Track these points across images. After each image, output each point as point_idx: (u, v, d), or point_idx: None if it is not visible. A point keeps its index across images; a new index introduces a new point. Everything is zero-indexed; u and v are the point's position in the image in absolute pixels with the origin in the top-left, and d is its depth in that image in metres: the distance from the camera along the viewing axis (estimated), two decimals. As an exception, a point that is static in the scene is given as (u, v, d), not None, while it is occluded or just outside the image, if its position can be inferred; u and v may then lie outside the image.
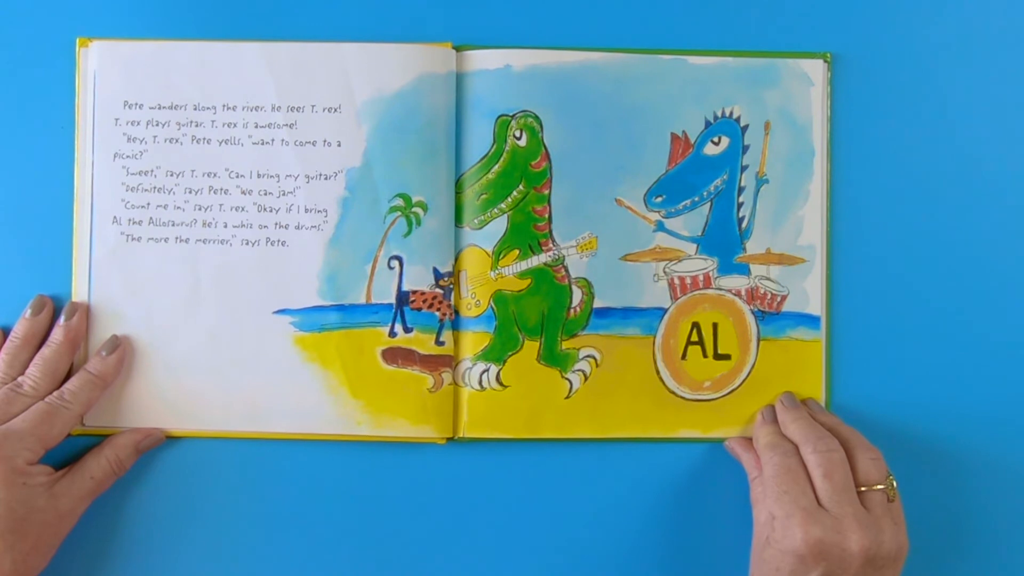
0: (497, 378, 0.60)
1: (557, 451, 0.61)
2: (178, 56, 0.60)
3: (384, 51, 0.60)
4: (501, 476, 0.61)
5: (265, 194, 0.60)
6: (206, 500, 0.60)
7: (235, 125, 0.60)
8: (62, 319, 0.59)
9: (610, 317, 0.60)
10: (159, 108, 0.60)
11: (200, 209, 0.60)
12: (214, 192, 0.60)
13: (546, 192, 0.60)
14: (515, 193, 0.60)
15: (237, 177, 0.60)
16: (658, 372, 0.61)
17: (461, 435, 0.60)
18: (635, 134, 0.60)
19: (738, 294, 0.61)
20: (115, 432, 0.59)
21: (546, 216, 0.60)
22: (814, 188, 0.61)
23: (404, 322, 0.60)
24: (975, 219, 0.62)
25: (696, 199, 0.61)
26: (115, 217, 0.60)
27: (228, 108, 0.60)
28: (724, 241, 0.61)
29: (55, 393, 0.57)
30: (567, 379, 0.60)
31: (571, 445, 0.61)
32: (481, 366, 0.60)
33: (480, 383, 0.60)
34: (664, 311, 0.61)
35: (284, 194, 0.60)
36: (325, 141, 0.60)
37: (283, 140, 0.60)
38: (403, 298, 0.60)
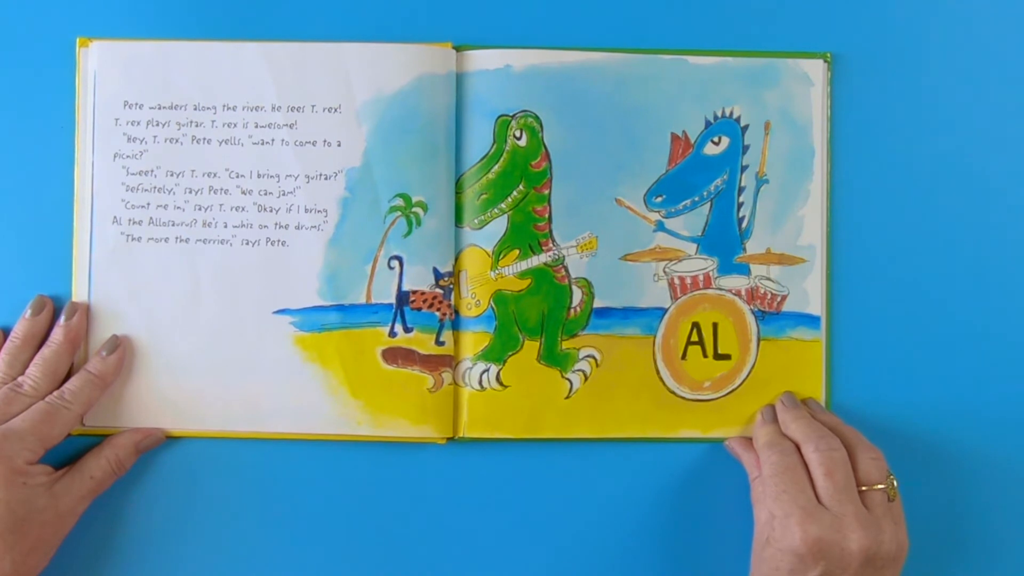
0: (497, 378, 0.60)
1: (557, 451, 0.61)
2: (178, 56, 0.60)
3: (384, 51, 0.60)
4: (501, 476, 0.61)
5: (265, 194, 0.60)
6: (206, 500, 0.60)
7: (235, 125, 0.60)
8: (62, 319, 0.59)
9: (610, 317, 0.60)
10: (159, 108, 0.60)
11: (200, 209, 0.60)
12: (214, 192, 0.60)
13: (546, 192, 0.60)
14: (515, 193, 0.60)
15: (237, 177, 0.60)
16: (658, 372, 0.61)
17: (461, 435, 0.60)
18: (635, 134, 0.60)
19: (738, 294, 0.61)
20: (115, 432, 0.59)
21: (546, 216, 0.60)
22: (814, 188, 0.61)
23: (404, 322, 0.60)
24: (975, 219, 0.62)
25: (696, 199, 0.61)
26: (115, 217, 0.60)
27: (228, 108, 0.60)
28: (724, 241, 0.61)
29: (55, 393, 0.57)
30: (567, 379, 0.60)
31: (571, 445, 0.61)
32: (481, 366, 0.60)
33: (480, 383, 0.60)
34: (664, 311, 0.61)
35: (284, 194, 0.60)
36: (325, 141, 0.60)
37: (283, 140, 0.60)
38: (403, 298, 0.60)
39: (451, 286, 0.60)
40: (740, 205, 0.61)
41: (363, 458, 0.60)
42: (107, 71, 0.60)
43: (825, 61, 0.61)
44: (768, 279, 0.61)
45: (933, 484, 0.61)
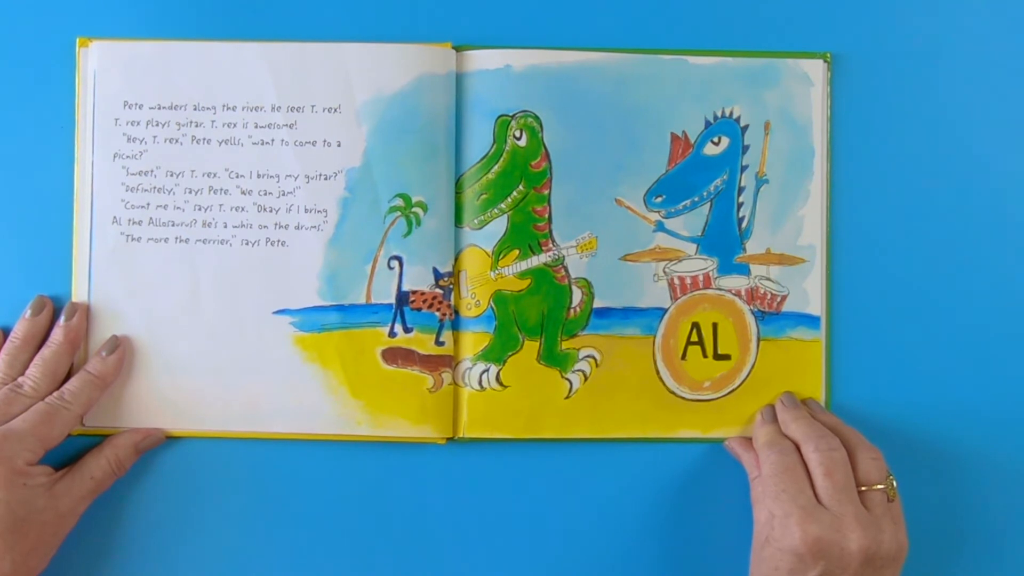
0: (497, 378, 0.60)
1: (557, 451, 0.61)
2: (178, 56, 0.60)
3: (384, 51, 0.60)
4: (501, 476, 0.61)
5: (265, 194, 0.60)
6: (206, 500, 0.60)
7: (235, 125, 0.60)
8: (62, 319, 0.59)
9: (610, 317, 0.60)
10: (159, 108, 0.60)
11: (200, 209, 0.60)
12: (214, 192, 0.60)
13: (546, 192, 0.60)
14: (515, 193, 0.60)
15: (237, 177, 0.60)
16: (658, 372, 0.61)
17: (461, 435, 0.60)
18: (635, 134, 0.60)
19: (738, 294, 0.61)
20: (115, 432, 0.59)
21: (546, 216, 0.60)
22: (814, 188, 0.61)
23: (404, 322, 0.60)
24: (975, 219, 0.62)
25: (696, 199, 0.61)
26: (115, 217, 0.60)
27: (228, 108, 0.60)
28: (724, 241, 0.61)
29: (55, 393, 0.57)
30: (567, 379, 0.60)
31: (571, 445, 0.61)
32: (481, 366, 0.60)
33: (480, 383, 0.60)
34: (664, 311, 0.61)
35: (284, 194, 0.60)
36: (325, 141, 0.60)
37: (283, 140, 0.60)
38: (403, 298, 0.60)
39: (451, 286, 0.60)
40: (740, 205, 0.61)
41: (363, 458, 0.60)
42: (107, 71, 0.60)
43: (825, 61, 0.61)
44: (768, 279, 0.61)
45: (933, 484, 0.61)
